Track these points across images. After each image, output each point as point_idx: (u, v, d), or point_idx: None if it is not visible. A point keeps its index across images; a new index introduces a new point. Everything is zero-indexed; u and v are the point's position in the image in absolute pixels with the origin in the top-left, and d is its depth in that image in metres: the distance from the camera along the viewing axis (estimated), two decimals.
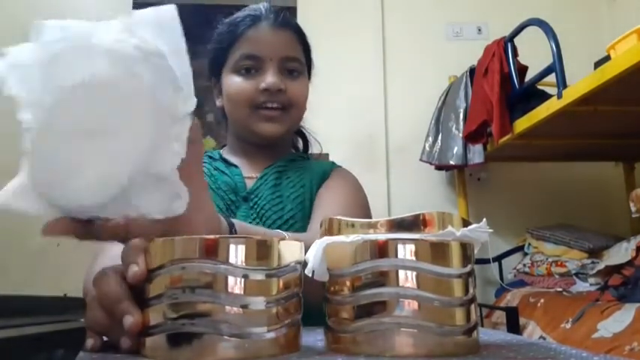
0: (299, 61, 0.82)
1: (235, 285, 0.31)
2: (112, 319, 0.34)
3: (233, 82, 0.80)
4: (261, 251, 0.32)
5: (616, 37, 1.41)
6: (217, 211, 0.71)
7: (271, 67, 0.79)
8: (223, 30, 0.84)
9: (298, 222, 0.76)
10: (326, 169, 0.86)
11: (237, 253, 0.31)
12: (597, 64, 1.64)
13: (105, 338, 0.35)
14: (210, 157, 0.87)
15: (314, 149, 0.99)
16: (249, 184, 0.82)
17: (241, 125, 0.82)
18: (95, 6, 2.40)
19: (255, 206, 0.78)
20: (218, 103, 0.87)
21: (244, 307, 0.31)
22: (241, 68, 0.80)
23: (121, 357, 0.32)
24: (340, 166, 0.90)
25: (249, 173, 0.84)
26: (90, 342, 0.34)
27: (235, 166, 0.84)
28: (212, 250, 0.31)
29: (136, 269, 0.33)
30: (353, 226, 0.38)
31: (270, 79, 0.78)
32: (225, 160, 0.85)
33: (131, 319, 0.32)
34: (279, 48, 0.80)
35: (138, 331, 0.32)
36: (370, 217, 0.81)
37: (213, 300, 0.31)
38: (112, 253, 0.67)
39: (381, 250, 0.34)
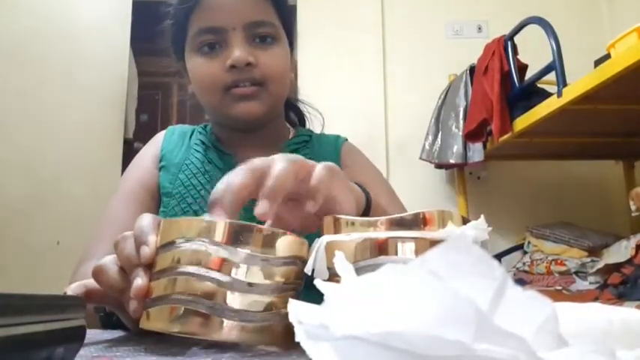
0: (270, 25, 0.69)
1: (238, 269, 0.32)
2: (127, 282, 0.35)
3: (196, 65, 0.69)
4: (268, 241, 0.34)
5: (616, 36, 1.41)
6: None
7: (236, 38, 0.66)
8: (175, 3, 0.72)
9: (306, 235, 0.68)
10: (335, 150, 0.77)
11: (244, 239, 0.33)
12: (597, 63, 1.64)
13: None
14: (203, 144, 0.76)
15: (314, 124, 0.89)
16: None
17: (216, 112, 0.72)
18: (95, 6, 2.40)
19: None
20: (190, 89, 0.76)
21: (244, 291, 0.32)
22: (202, 46, 0.68)
23: (121, 355, 0.32)
24: (346, 141, 0.81)
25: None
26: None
27: (229, 155, 0.74)
28: (221, 234, 0.33)
29: (147, 251, 0.34)
30: (353, 224, 0.38)
31: (235, 53, 0.65)
32: (217, 149, 0.75)
33: (140, 281, 0.33)
34: (242, 12, 0.67)
35: (142, 295, 0.33)
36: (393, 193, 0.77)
37: (216, 281, 0.32)
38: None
39: (382, 248, 0.34)
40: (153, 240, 0.35)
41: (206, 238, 0.32)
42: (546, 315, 0.17)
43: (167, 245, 0.34)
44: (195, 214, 0.68)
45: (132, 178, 0.75)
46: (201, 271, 0.32)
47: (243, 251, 0.33)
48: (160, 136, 0.80)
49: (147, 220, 0.37)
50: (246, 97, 0.68)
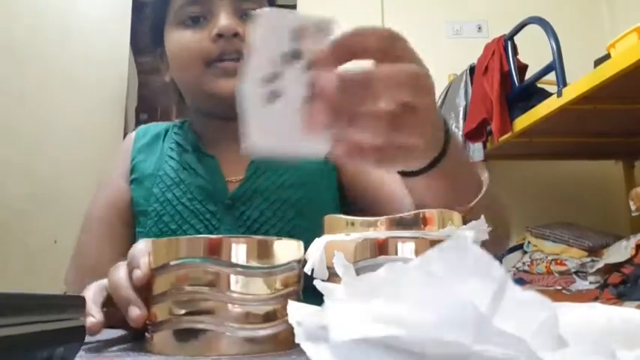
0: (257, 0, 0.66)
1: (236, 283, 0.32)
2: (122, 309, 0.35)
3: (178, 37, 0.64)
4: (262, 250, 0.33)
5: (616, 36, 1.41)
6: (193, 234, 0.60)
7: (223, 8, 0.63)
8: None
9: (300, 233, 0.61)
10: None
11: (238, 252, 0.32)
12: (597, 63, 1.64)
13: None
14: (179, 146, 0.69)
15: None
16: (232, 185, 0.65)
17: (195, 91, 0.66)
18: (95, 6, 2.40)
19: (245, 218, 0.63)
20: (167, 78, 0.72)
21: (244, 304, 0.32)
22: (186, 18, 0.64)
23: (121, 355, 0.32)
24: None
25: (230, 165, 0.66)
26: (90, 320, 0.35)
27: (211, 157, 0.67)
28: (214, 249, 0.32)
29: (139, 274, 0.34)
30: (353, 224, 0.38)
31: (223, 21, 0.62)
32: (196, 150, 0.68)
33: (137, 311, 0.34)
34: None
35: (142, 323, 0.33)
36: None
37: (215, 297, 0.32)
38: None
39: (382, 248, 0.34)
40: (145, 262, 0.34)
41: (200, 255, 0.32)
42: (546, 315, 0.17)
43: (162, 267, 0.33)
44: (174, 233, 0.62)
45: (100, 204, 0.71)
46: (200, 290, 0.32)
47: (239, 264, 0.32)
48: (128, 143, 0.74)
49: (140, 245, 0.37)
50: (228, 72, 0.62)
